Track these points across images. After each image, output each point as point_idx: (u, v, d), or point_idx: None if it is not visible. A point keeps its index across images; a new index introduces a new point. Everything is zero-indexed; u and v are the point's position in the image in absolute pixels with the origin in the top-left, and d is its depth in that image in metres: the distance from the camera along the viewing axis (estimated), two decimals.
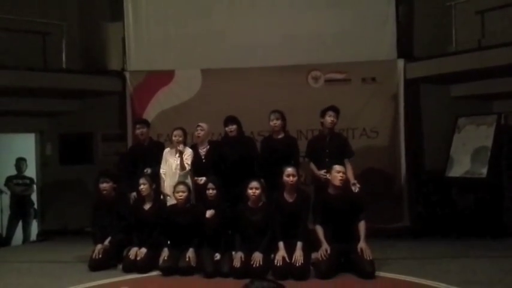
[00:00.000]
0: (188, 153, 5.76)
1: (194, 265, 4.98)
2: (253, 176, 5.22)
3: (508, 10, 6.64)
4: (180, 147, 5.68)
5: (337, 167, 5.02)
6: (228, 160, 5.64)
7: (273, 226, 4.99)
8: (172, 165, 5.79)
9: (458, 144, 7.03)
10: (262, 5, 7.50)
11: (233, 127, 5.69)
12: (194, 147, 5.87)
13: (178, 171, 5.71)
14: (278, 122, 5.63)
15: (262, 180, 5.24)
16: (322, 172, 5.40)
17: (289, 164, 5.13)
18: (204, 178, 5.44)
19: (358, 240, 4.88)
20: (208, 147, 5.84)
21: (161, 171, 5.89)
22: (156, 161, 5.93)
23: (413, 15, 7.66)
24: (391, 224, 6.92)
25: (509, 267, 5.01)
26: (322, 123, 5.69)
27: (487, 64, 6.24)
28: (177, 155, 5.72)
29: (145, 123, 6.31)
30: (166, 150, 5.95)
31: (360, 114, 7.11)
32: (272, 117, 5.65)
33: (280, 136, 5.69)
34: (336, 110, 5.60)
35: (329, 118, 5.56)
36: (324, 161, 5.50)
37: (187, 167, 5.70)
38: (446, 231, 6.56)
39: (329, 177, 5.12)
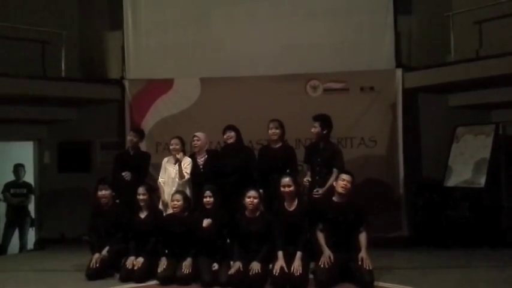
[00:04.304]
0: (187, 162, 5.76)
1: (187, 273, 4.95)
2: (252, 185, 5.20)
3: (505, 20, 6.68)
4: (179, 155, 5.68)
5: (343, 176, 5.01)
6: (226, 170, 5.61)
7: (272, 235, 4.97)
8: (171, 174, 5.79)
9: (457, 153, 7.04)
10: (261, 14, 7.54)
11: (231, 134, 5.69)
12: (193, 157, 5.86)
13: (177, 180, 5.71)
14: (277, 131, 5.63)
15: (260, 190, 5.25)
16: (305, 179, 5.55)
17: (285, 174, 5.12)
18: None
19: (358, 250, 4.87)
20: (206, 156, 5.83)
21: (160, 180, 5.90)
22: (138, 170, 6.02)
23: (412, 25, 7.70)
24: (390, 233, 6.91)
25: (508, 277, 5.00)
26: None
27: (485, 74, 6.26)
28: (176, 163, 5.73)
29: (138, 132, 6.32)
30: (165, 159, 5.96)
31: (358, 124, 7.12)
32: (271, 125, 5.65)
33: (278, 145, 5.69)
34: (317, 119, 5.52)
35: (312, 129, 5.55)
36: (315, 169, 5.53)
37: (187, 176, 5.69)
38: (445, 241, 6.55)
39: (306, 182, 5.49)
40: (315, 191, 5.40)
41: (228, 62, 7.38)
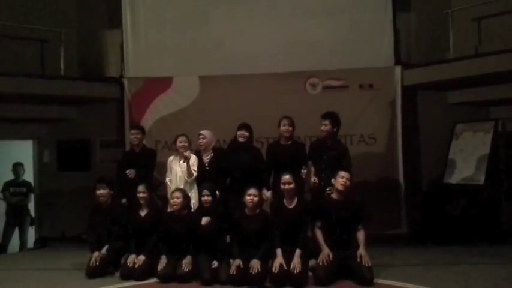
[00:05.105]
0: (194, 159, 5.73)
1: (187, 270, 4.95)
2: (258, 185, 5.17)
3: (504, 17, 6.68)
4: (187, 153, 5.66)
5: (341, 173, 4.99)
6: (234, 169, 5.58)
7: (271, 233, 4.97)
8: (178, 172, 5.77)
9: (456, 150, 7.05)
10: (260, 12, 7.54)
11: (245, 134, 5.62)
12: (198, 154, 5.81)
13: (185, 178, 5.68)
14: (290, 129, 5.58)
15: (269, 190, 5.31)
16: (312, 179, 5.48)
17: (286, 171, 5.09)
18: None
19: (356, 247, 4.87)
20: (212, 154, 5.79)
21: (166, 179, 5.89)
22: (146, 167, 5.98)
23: (411, 22, 7.71)
24: (389, 230, 6.93)
25: (508, 274, 5.01)
26: None
27: (484, 71, 6.27)
28: (182, 161, 5.71)
29: (141, 129, 6.29)
30: (171, 158, 5.92)
31: (357, 121, 7.12)
32: (284, 122, 5.58)
33: (289, 142, 5.64)
34: (327, 117, 5.53)
35: (321, 126, 5.54)
36: (321, 167, 5.51)
37: (195, 173, 5.67)
38: (444, 238, 6.55)
39: (313, 180, 5.42)
40: (327, 190, 5.29)
41: (227, 60, 7.38)
